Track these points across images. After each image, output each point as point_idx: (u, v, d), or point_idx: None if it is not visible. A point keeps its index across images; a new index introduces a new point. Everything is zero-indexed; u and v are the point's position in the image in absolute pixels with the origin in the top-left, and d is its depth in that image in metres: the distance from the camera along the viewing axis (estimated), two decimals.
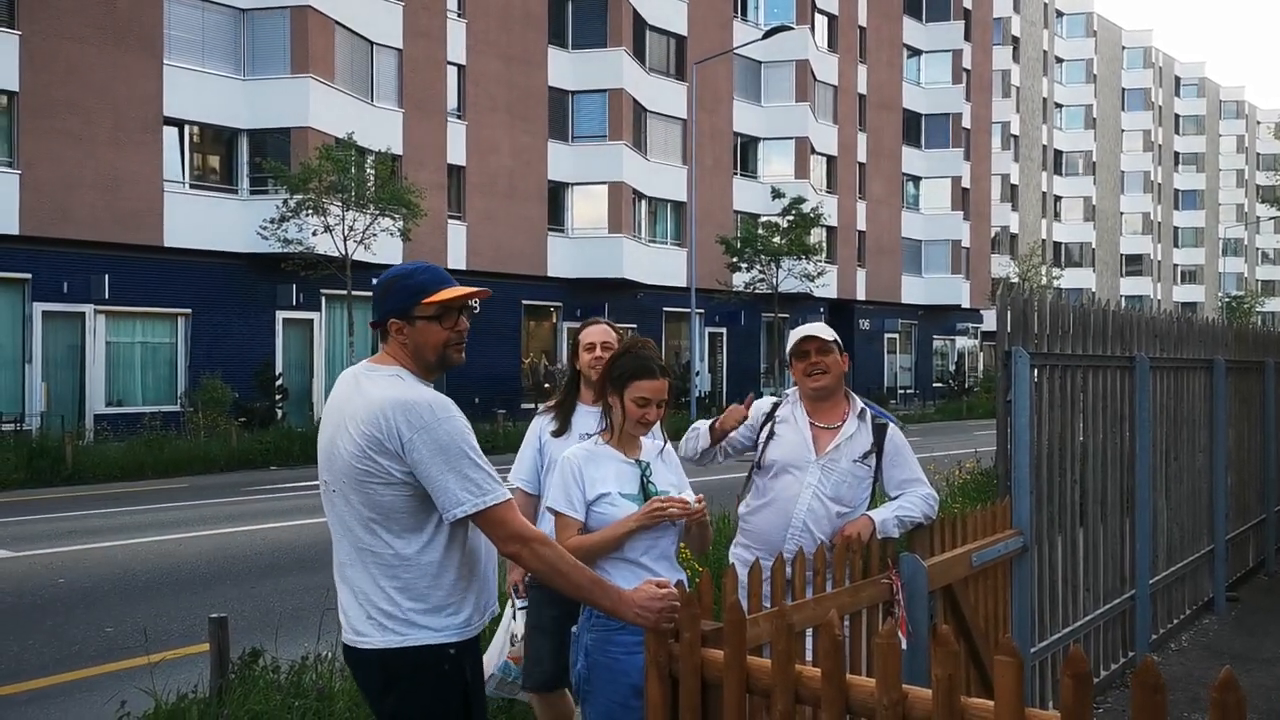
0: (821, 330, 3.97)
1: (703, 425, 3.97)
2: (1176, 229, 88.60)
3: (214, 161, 25.01)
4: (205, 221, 23.70)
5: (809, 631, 3.17)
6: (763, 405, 4.06)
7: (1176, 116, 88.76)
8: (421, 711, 2.65)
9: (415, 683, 2.63)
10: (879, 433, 3.96)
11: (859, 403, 4.02)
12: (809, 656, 3.23)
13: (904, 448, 4.00)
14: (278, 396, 23.85)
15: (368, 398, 2.62)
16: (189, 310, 23.60)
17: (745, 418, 3.90)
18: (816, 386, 3.92)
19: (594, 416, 3.82)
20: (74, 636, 7.12)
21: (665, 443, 3.46)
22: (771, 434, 3.94)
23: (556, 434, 4.04)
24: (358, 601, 2.66)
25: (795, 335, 4.01)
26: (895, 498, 3.97)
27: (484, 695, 2.79)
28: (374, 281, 2.74)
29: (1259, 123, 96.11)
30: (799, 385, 4.00)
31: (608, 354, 3.91)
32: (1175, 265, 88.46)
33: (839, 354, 3.96)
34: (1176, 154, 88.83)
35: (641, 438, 3.36)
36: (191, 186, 24.00)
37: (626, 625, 2.85)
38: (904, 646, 3.50)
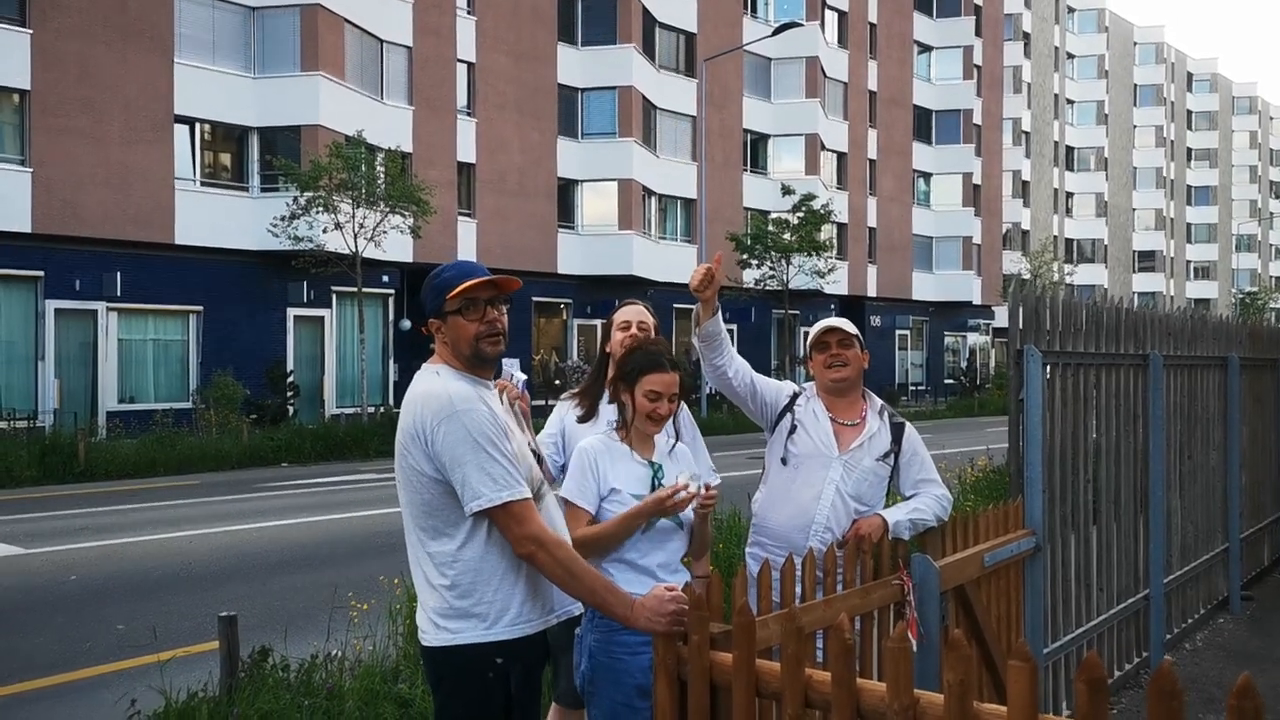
0: (844, 323, 3.90)
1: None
2: (1189, 225, 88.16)
3: (225, 159, 25.07)
4: (216, 219, 23.77)
5: (819, 633, 3.15)
6: (785, 389, 3.99)
7: (1189, 112, 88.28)
8: (461, 713, 2.68)
9: (458, 684, 2.67)
10: (897, 431, 3.92)
11: (877, 401, 3.98)
12: (820, 658, 3.22)
13: (920, 447, 3.97)
14: (289, 393, 23.91)
15: (410, 394, 2.71)
16: (200, 307, 23.68)
17: (716, 267, 3.64)
18: (836, 379, 3.86)
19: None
20: (85, 634, 7.13)
21: (676, 440, 3.45)
22: (793, 427, 3.87)
23: (583, 419, 3.88)
24: (420, 598, 2.75)
25: (817, 327, 3.94)
26: (909, 497, 3.94)
27: (535, 710, 2.78)
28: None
29: (1272, 118, 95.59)
30: (818, 378, 3.94)
31: (643, 334, 3.88)
32: (1188, 261, 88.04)
33: (860, 349, 3.90)
34: (1189, 149, 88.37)
35: (655, 437, 3.35)
36: (202, 184, 24.06)
37: None
38: (915, 649, 3.48)
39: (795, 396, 3.96)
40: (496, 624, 2.65)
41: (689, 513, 3.17)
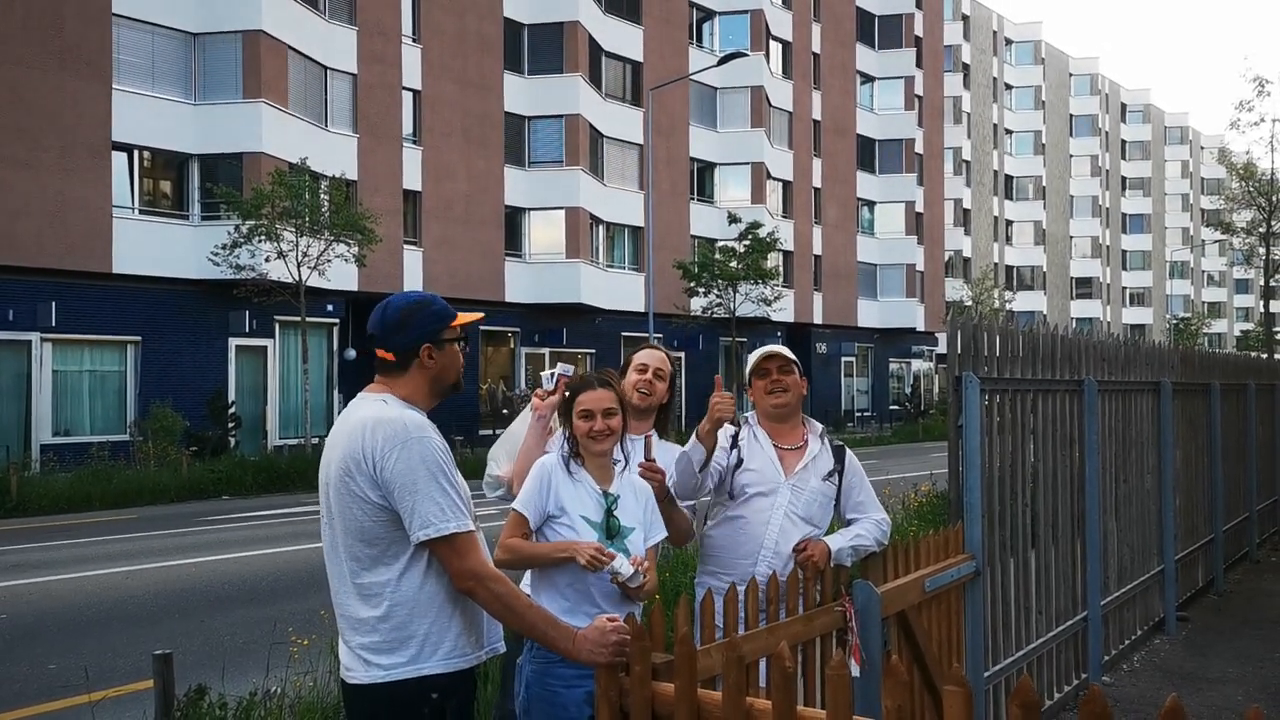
0: (783, 350, 3.99)
1: (690, 448, 3.72)
2: (1125, 252, 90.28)
3: (165, 187, 24.71)
4: (155, 247, 23.37)
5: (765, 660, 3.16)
6: (723, 440, 4.00)
7: (1123, 142, 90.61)
8: None
9: None
10: (838, 453, 4.00)
11: (816, 425, 4.05)
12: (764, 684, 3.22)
13: (860, 471, 4.04)
14: (230, 425, 23.51)
15: (350, 421, 2.65)
16: (138, 338, 23.23)
17: (730, 406, 3.63)
18: (777, 404, 3.92)
19: (629, 442, 3.67)
20: (15, 675, 6.93)
21: (627, 465, 3.44)
22: (739, 461, 3.91)
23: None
24: (345, 634, 2.67)
25: (756, 354, 3.99)
26: (850, 521, 3.98)
27: None
28: (387, 310, 2.76)
29: (1203, 148, 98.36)
30: (758, 405, 3.99)
31: (659, 380, 3.90)
32: (1124, 288, 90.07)
33: (799, 375, 3.97)
34: (1124, 179, 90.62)
35: (620, 472, 3.34)
36: (141, 212, 23.68)
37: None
38: (857, 674, 3.50)
39: (736, 434, 3.99)
40: (432, 657, 2.60)
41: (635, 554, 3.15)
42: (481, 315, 2.90)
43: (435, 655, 2.60)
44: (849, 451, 4.04)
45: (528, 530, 3.18)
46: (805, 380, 4.02)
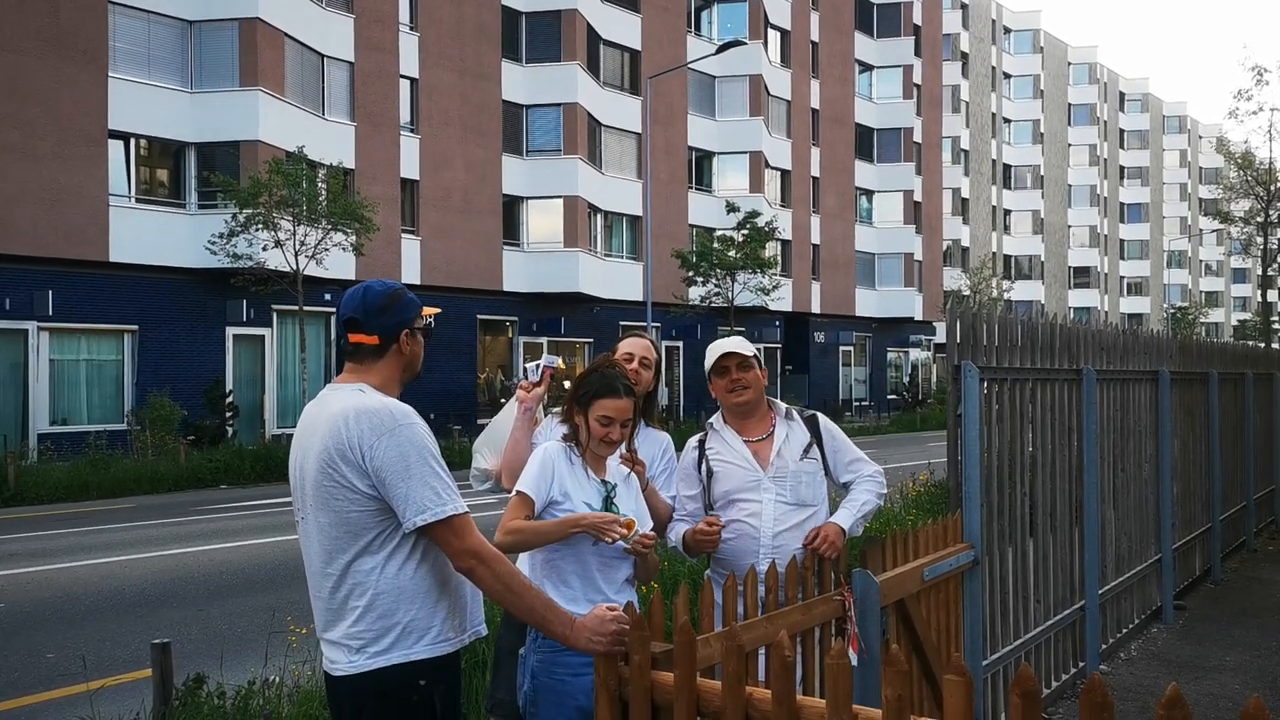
0: (740, 346, 3.89)
1: (682, 548, 3.83)
2: (1122, 241, 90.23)
3: (161, 175, 24.65)
4: (152, 236, 23.32)
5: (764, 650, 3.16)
6: (690, 455, 3.97)
7: (1121, 131, 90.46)
8: None
9: (380, 711, 2.58)
10: (811, 424, 3.96)
11: (781, 405, 4.00)
12: (763, 675, 3.22)
13: (838, 432, 4.03)
14: (228, 414, 23.50)
15: (329, 411, 2.62)
16: (135, 326, 23.20)
17: (715, 544, 3.72)
18: (740, 402, 3.88)
19: None
20: (13, 664, 6.93)
21: (629, 471, 3.45)
22: (710, 471, 3.88)
23: (569, 438, 3.68)
24: (326, 627, 2.64)
25: (714, 352, 3.91)
26: (846, 484, 3.98)
27: None
28: (368, 295, 2.71)
29: (1200, 137, 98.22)
30: (722, 402, 3.96)
31: (645, 369, 3.87)
32: (1122, 277, 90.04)
33: (759, 369, 3.92)
34: (1122, 168, 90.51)
35: (608, 461, 3.35)
36: (138, 200, 23.62)
37: None
38: (856, 664, 3.50)
39: (702, 441, 3.97)
40: (419, 643, 2.59)
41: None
42: (439, 310, 2.91)
43: (422, 641, 2.59)
44: (821, 418, 4.00)
45: (530, 513, 3.18)
46: (765, 371, 3.99)
